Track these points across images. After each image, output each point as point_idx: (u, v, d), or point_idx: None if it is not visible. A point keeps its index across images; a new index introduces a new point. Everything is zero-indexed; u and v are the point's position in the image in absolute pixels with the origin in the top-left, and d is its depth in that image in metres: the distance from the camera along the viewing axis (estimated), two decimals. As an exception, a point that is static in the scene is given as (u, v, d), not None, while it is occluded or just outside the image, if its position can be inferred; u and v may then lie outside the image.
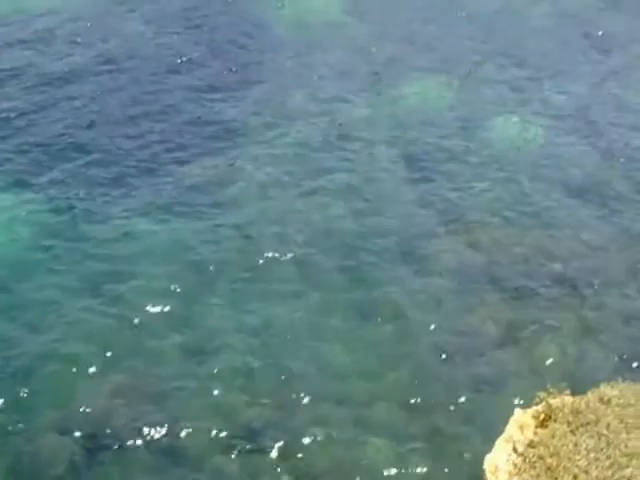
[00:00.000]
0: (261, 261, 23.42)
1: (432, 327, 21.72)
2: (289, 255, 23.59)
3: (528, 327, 21.66)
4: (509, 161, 27.45)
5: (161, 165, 26.54)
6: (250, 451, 19.07)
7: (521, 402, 17.12)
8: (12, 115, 28.10)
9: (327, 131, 28.39)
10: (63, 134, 27.41)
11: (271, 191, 25.91)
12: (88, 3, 34.21)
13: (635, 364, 20.33)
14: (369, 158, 27.49)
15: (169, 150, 27.16)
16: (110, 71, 30.53)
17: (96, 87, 29.65)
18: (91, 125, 27.90)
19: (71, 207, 24.74)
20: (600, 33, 33.89)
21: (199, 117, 28.61)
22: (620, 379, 16.78)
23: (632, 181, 26.69)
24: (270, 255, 23.57)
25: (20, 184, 25.43)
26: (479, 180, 26.54)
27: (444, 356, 20.98)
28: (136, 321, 21.56)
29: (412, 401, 19.98)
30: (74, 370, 20.20)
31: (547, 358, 20.64)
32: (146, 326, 21.51)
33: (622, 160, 27.52)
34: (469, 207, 25.51)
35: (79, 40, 31.97)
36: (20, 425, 19.05)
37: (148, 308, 21.88)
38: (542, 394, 15.86)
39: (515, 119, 29.19)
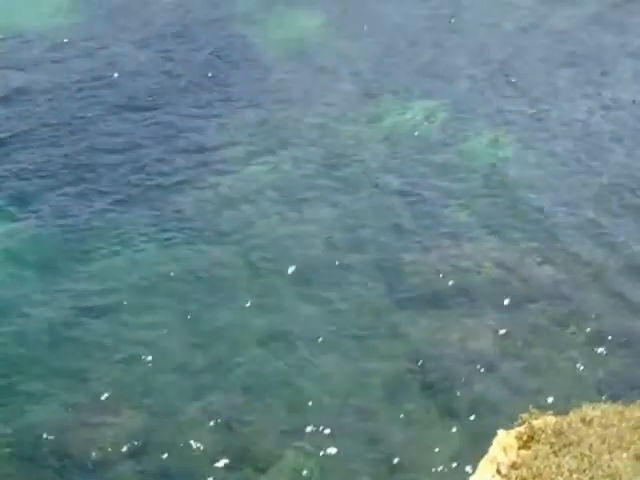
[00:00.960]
0: (253, 285, 23.59)
1: (417, 346, 21.84)
2: (280, 281, 23.71)
3: (511, 346, 21.80)
4: (497, 178, 27.61)
5: (152, 191, 26.61)
6: (243, 472, 19.11)
7: (504, 422, 17.07)
8: (-2, 140, 28.22)
9: (317, 152, 28.49)
10: (48, 160, 27.47)
11: (263, 212, 26.02)
12: (77, 26, 34.29)
13: (617, 384, 20.44)
14: (358, 178, 27.57)
15: (160, 175, 27.21)
16: (98, 95, 30.60)
17: (83, 111, 29.70)
18: (77, 151, 27.92)
19: (62, 235, 24.84)
20: (586, 51, 34.03)
21: (189, 141, 28.62)
22: (602, 399, 16.82)
23: (616, 196, 26.82)
24: (261, 280, 23.71)
25: (7, 211, 25.43)
26: (467, 197, 26.72)
27: (429, 375, 21.08)
28: (129, 345, 21.76)
29: (396, 420, 20.07)
30: (62, 398, 20.33)
31: (530, 378, 20.75)
32: (138, 350, 21.66)
33: (605, 176, 27.65)
34: (457, 224, 25.71)
35: (67, 63, 32.09)
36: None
37: (138, 333, 22.03)
38: (524, 415, 15.86)
39: (502, 138, 29.30)
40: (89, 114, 29.55)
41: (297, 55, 33.30)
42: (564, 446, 15.76)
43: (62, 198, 26.04)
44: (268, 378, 21.00)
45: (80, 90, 30.74)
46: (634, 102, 30.71)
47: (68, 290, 23.07)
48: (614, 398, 17.31)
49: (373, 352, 21.77)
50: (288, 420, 20.19)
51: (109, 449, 19.30)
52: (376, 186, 27.25)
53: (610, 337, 22.12)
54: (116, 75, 31.65)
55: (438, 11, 36.21)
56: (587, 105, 31.24)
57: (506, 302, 23.13)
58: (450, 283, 23.70)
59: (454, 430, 19.76)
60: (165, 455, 19.31)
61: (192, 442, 19.51)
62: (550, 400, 18.76)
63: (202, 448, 19.47)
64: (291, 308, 22.95)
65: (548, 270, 24.28)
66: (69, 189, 26.40)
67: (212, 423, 19.91)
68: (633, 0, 37.07)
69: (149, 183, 26.81)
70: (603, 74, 32.97)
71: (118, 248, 24.41)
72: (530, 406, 15.85)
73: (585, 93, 31.82)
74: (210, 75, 31.80)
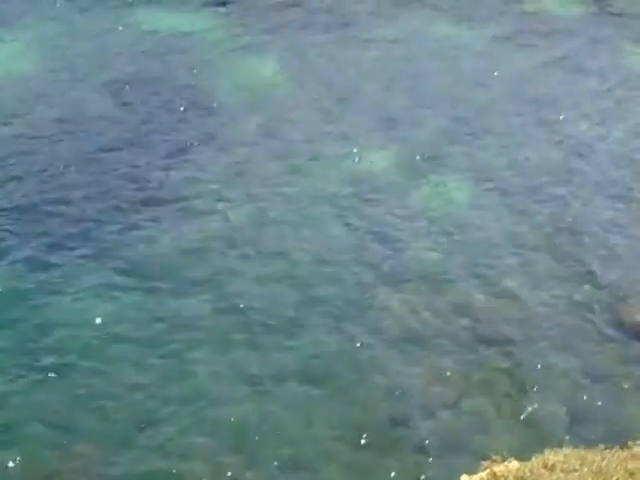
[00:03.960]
0: (201, 331, 23.37)
1: (378, 390, 21.71)
2: (243, 325, 23.51)
3: (473, 390, 21.70)
4: (447, 222, 27.63)
5: (106, 243, 26.22)
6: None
7: (467, 468, 17.02)
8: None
9: (282, 195, 28.46)
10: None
11: (228, 259, 25.77)
12: (37, 73, 34.16)
13: (579, 427, 20.42)
14: (325, 220, 27.59)
15: (115, 230, 26.79)
16: (57, 142, 30.25)
17: (35, 164, 29.24)
18: (29, 205, 27.47)
19: (17, 285, 24.36)
20: (540, 93, 34.37)
21: (151, 189, 28.40)
22: (564, 444, 16.82)
23: (578, 240, 27.03)
24: (214, 327, 23.48)
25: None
26: (420, 242, 26.67)
27: (390, 420, 20.93)
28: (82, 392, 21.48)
29: (357, 467, 19.90)
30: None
31: (491, 422, 20.68)
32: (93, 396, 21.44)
33: (568, 218, 27.88)
34: (410, 269, 25.55)
35: (26, 111, 31.78)
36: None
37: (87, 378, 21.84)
38: (486, 462, 15.81)
39: (450, 181, 29.33)
40: (47, 162, 29.22)
41: (257, 101, 33.31)
42: (526, 492, 15.73)
43: (15, 250, 25.61)
44: (215, 431, 20.71)
45: (38, 138, 30.44)
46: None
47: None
48: (576, 442, 17.34)
49: (332, 397, 21.58)
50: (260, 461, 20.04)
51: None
52: (344, 227, 27.26)
53: (572, 380, 22.17)
54: (75, 124, 31.29)
55: (393, 56, 36.43)
56: (548, 147, 31.47)
57: (463, 346, 23.06)
58: (405, 327, 23.61)
59: (416, 475, 19.60)
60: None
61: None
62: (512, 444, 18.59)
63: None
64: (261, 353, 22.73)
65: (504, 313, 24.23)
66: (21, 240, 25.90)
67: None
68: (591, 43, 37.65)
69: (97, 239, 26.41)
70: (565, 117, 33.26)
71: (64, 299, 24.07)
72: (491, 452, 15.77)
73: (535, 136, 31.98)
74: (170, 123, 31.61)
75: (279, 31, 37.34)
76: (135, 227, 26.82)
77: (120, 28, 36.28)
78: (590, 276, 25.75)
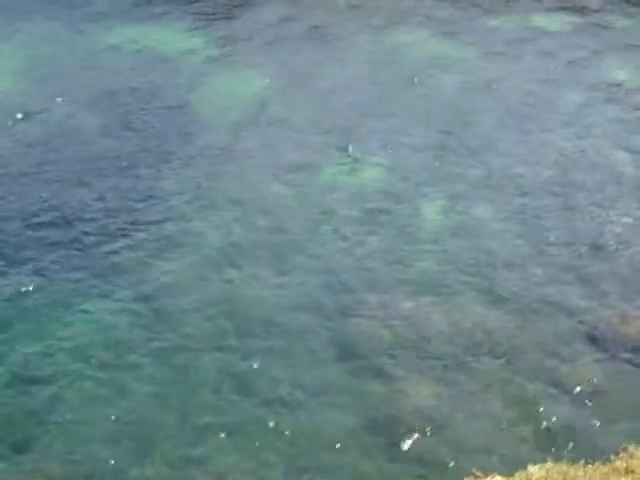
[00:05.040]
0: (202, 344, 23.52)
1: (364, 407, 21.84)
2: (234, 338, 23.71)
3: (457, 405, 21.78)
4: (438, 235, 27.78)
5: (106, 265, 26.27)
6: None
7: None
8: None
9: (266, 211, 28.55)
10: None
11: (216, 278, 25.92)
12: (17, 90, 34.30)
13: (561, 441, 20.51)
14: (312, 234, 27.73)
15: (108, 247, 26.78)
16: (37, 163, 30.13)
17: (28, 179, 29.47)
18: (22, 225, 27.35)
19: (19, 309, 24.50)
20: (527, 105, 34.52)
21: (138, 208, 28.34)
22: (547, 459, 16.94)
23: (560, 255, 27.19)
24: (216, 341, 23.67)
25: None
26: (409, 254, 26.77)
27: (376, 432, 21.07)
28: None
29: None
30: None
31: (474, 438, 20.72)
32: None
33: (552, 232, 28.04)
34: (400, 281, 25.71)
35: (12, 129, 31.96)
36: None
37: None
38: (469, 478, 15.95)
39: (441, 195, 29.45)
40: (34, 182, 29.44)
41: (248, 117, 33.47)
42: (509, 508, 15.88)
43: (12, 274, 25.78)
44: (199, 452, 20.79)
45: (26, 154, 30.57)
46: None
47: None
48: (558, 458, 17.45)
49: (322, 417, 21.67)
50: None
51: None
52: (341, 238, 27.38)
53: (558, 393, 22.20)
54: (61, 141, 31.32)
55: (385, 70, 36.62)
56: (537, 160, 31.59)
57: (449, 360, 23.16)
58: (392, 340, 23.69)
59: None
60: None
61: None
62: (496, 460, 18.70)
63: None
64: (260, 362, 22.96)
65: (492, 324, 24.32)
66: (15, 264, 26.06)
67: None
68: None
69: (100, 253, 26.54)
70: (552, 130, 33.44)
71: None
72: (475, 468, 15.91)
73: (532, 147, 32.20)
74: (161, 141, 31.65)
75: (270, 47, 37.47)
76: (130, 244, 26.88)
77: (110, 45, 36.38)
78: (587, 289, 25.79)
